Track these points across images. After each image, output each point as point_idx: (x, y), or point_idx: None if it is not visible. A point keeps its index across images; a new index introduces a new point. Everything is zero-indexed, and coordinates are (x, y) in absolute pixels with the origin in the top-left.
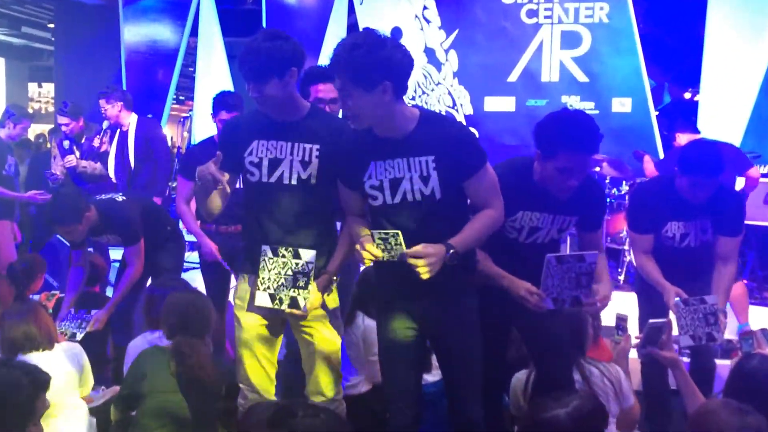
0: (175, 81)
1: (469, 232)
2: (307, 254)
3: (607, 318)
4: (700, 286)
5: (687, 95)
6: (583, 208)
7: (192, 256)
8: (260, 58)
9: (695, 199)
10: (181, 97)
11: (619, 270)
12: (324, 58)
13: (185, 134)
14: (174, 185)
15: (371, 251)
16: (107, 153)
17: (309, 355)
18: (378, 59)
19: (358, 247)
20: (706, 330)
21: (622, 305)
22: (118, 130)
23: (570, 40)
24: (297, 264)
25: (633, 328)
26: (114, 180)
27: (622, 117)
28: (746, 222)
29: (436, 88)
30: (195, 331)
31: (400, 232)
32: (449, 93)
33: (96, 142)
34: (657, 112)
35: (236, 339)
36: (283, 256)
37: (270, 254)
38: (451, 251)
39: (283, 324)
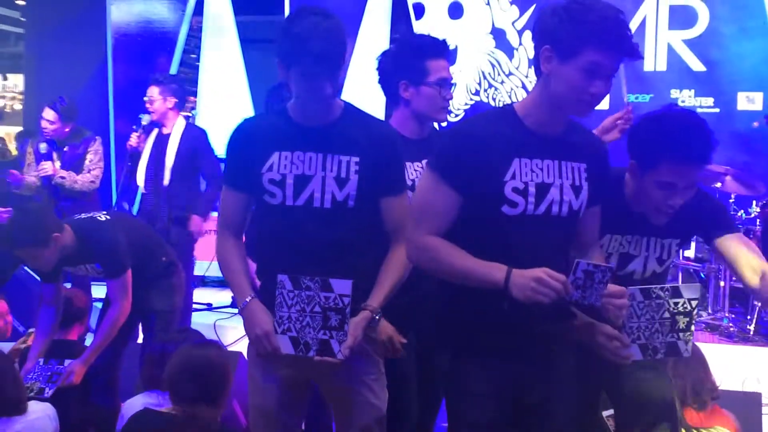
0: (175, 71)
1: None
2: (341, 285)
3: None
4: None
5: None
6: (691, 224)
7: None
8: (335, 41)
9: None
10: None
11: (749, 317)
12: (364, 39)
13: None
14: None
15: (568, 289)
16: (139, 154)
17: (344, 428)
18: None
19: (540, 279)
20: None
21: (753, 363)
22: (156, 131)
23: (682, 17)
24: (327, 298)
25: None
26: (144, 190)
27: (750, 117)
28: None
29: (507, 80)
30: (211, 398)
31: (612, 268)
32: (524, 86)
33: (133, 140)
34: None
35: (251, 404)
36: (308, 288)
37: (289, 286)
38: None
39: (307, 383)
